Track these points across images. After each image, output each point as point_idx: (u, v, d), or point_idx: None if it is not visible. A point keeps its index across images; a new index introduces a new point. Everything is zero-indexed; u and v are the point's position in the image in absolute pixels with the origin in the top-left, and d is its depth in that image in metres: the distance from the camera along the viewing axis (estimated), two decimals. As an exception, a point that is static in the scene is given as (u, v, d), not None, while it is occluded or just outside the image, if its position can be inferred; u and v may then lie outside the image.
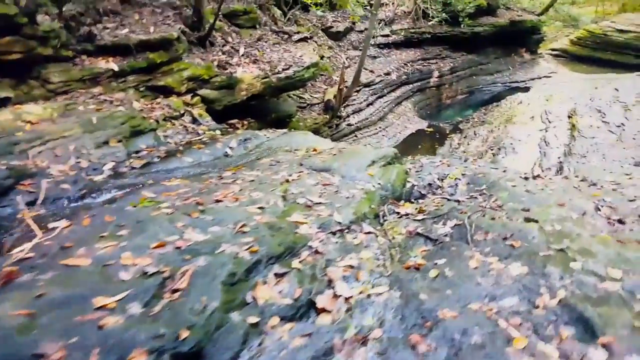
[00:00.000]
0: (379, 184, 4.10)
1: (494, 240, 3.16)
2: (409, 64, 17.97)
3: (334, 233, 3.13)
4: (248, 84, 7.44)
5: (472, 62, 20.81)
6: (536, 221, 3.39)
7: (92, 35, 5.78)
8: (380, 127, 14.54)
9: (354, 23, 18.35)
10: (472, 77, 20.64)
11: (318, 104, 11.41)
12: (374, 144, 13.41)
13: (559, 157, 8.76)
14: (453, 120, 16.21)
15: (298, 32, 10.02)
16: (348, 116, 13.71)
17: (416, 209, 3.93)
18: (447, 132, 14.56)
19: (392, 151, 4.97)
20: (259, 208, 3.23)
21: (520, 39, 23.37)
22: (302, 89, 11.96)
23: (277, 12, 10.05)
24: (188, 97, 6.53)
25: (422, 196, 4.50)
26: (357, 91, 14.88)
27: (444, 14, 17.77)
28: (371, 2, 14.57)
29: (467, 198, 4.41)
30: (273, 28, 9.60)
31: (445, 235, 3.40)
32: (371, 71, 16.27)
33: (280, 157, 4.86)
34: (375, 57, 17.68)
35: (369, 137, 13.81)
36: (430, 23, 18.56)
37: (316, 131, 10.56)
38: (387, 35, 18.52)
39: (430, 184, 4.70)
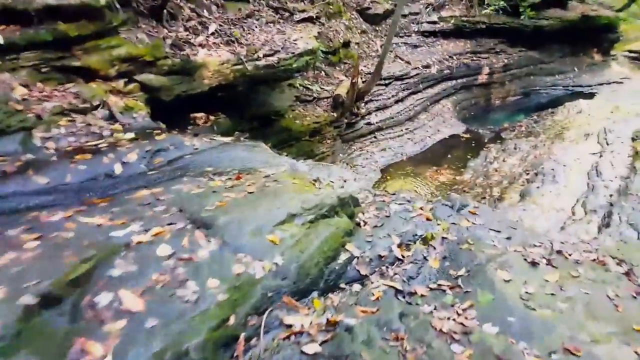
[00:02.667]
0: (277, 263, 2.55)
1: None
2: (455, 57, 15.80)
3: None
4: (213, 71, 5.99)
5: (531, 60, 18.22)
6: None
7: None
8: (407, 129, 12.71)
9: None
10: (530, 77, 18.10)
11: (328, 97, 9.77)
12: (395, 149, 11.67)
13: (610, 196, 6.72)
14: (498, 126, 14.03)
15: (303, 11, 8.37)
16: (369, 113, 11.99)
17: (328, 319, 2.35)
18: (486, 140, 12.51)
19: (340, 195, 3.35)
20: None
21: (592, 37, 20.32)
22: (313, 79, 10.37)
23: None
24: (121, 84, 5.18)
25: (361, 279, 2.90)
26: (387, 85, 13.07)
27: (502, 2, 15.36)
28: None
29: (430, 290, 2.77)
30: (271, 3, 8.03)
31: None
32: (407, 62, 14.33)
33: (176, 186, 3.39)
34: (416, 47, 15.70)
35: (391, 139, 12.05)
36: (484, 12, 16.19)
37: (317, 132, 9.00)
38: (435, 22, 16.40)
39: (381, 256, 3.07)
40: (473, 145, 12.20)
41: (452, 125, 13.59)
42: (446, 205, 3.96)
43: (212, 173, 3.89)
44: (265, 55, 6.56)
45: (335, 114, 9.44)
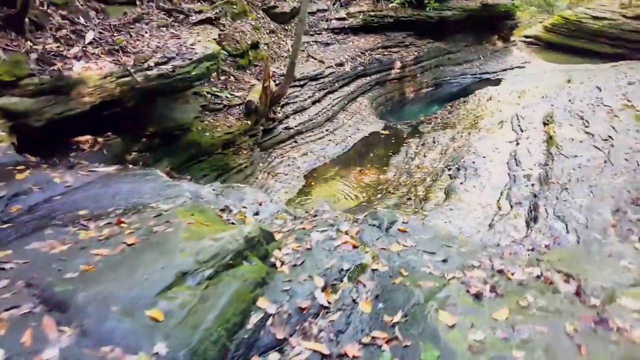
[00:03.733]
0: (158, 354, 1.88)
1: None
2: (367, 53, 15.70)
3: None
4: (94, 87, 5.07)
5: (440, 51, 18.70)
6: None
7: None
8: (327, 130, 12.30)
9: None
10: (439, 68, 18.55)
11: (240, 104, 9.05)
12: (317, 152, 11.21)
13: (532, 186, 6.71)
14: (415, 120, 14.09)
15: (200, 12, 7.57)
16: (287, 117, 11.42)
17: None
18: (405, 135, 12.44)
19: (249, 235, 2.71)
20: None
21: (493, 25, 21.38)
22: (221, 85, 9.59)
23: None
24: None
25: (278, 345, 2.30)
26: (302, 86, 12.58)
27: (407, -5, 15.47)
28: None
29: (364, 347, 2.26)
30: (162, 5, 7.16)
31: None
32: (321, 61, 13.95)
33: (33, 245, 2.60)
34: (328, 44, 15.36)
35: (312, 142, 11.58)
36: (391, 5, 16.25)
37: (231, 143, 8.27)
38: (343, 19, 16.18)
39: (302, 308, 2.50)
40: (393, 141, 12.07)
41: (370, 123, 13.41)
42: (373, 225, 3.47)
43: (86, 218, 3.09)
44: (157, 64, 5.71)
45: (249, 122, 8.74)
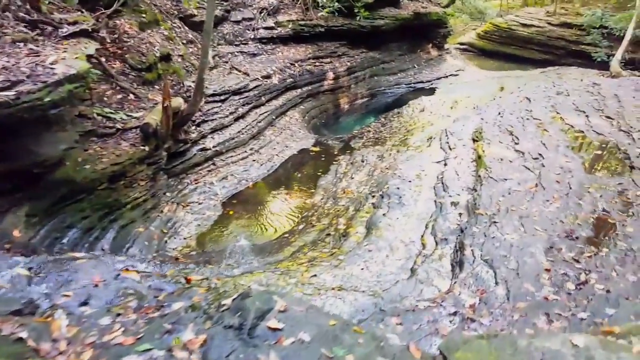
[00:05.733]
0: None
1: None
2: (297, 64, 14.86)
3: None
4: None
5: (373, 61, 18.22)
6: None
7: None
8: (252, 149, 11.28)
9: (227, 11, 14.88)
10: (374, 78, 18.06)
11: (138, 127, 7.85)
12: (239, 175, 10.16)
13: (459, 216, 6.03)
14: (347, 134, 13.35)
15: (75, 23, 6.36)
16: (203, 137, 10.30)
17: None
18: (336, 152, 11.65)
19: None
20: None
21: (426, 33, 21.27)
22: (117, 105, 8.35)
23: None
24: None
25: None
26: (223, 101, 11.52)
27: (336, 4, 14.76)
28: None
29: None
30: (23, 15, 5.92)
31: None
32: (245, 74, 12.94)
33: None
34: (254, 55, 14.39)
35: (234, 164, 10.51)
36: (320, 14, 15.53)
37: (120, 175, 7.08)
38: (272, 28, 15.30)
39: None
40: (323, 159, 11.25)
41: (300, 138, 12.53)
42: (231, 326, 2.51)
43: None
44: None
45: (146, 148, 7.57)
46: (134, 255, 6.43)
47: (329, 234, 6.54)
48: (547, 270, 4.46)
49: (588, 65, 21.27)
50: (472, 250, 4.91)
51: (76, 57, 5.61)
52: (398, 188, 7.05)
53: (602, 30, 22.55)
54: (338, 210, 7.53)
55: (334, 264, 5.19)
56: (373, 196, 7.15)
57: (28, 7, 6.23)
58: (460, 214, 6.12)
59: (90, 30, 6.40)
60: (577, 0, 26.97)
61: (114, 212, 7.03)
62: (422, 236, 5.78)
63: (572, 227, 5.38)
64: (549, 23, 25.93)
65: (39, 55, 5.47)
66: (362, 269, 5.01)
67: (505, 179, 6.76)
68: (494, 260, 4.63)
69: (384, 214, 6.36)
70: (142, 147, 7.58)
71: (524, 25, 26.69)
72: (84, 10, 7.24)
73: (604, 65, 19.47)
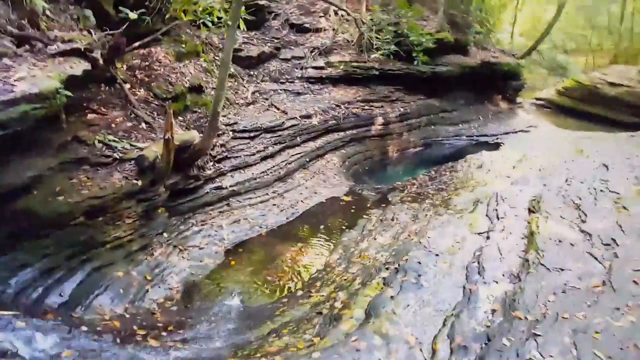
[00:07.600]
0: None
1: None
2: (343, 106, 13.91)
3: None
4: None
5: (432, 109, 16.89)
6: None
7: None
8: (275, 192, 10.27)
9: (277, 49, 14.40)
10: (431, 127, 16.69)
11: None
12: (254, 220, 9.11)
13: (492, 314, 4.45)
14: (388, 185, 11.96)
15: (70, 41, 5.79)
16: (221, 175, 9.46)
17: None
18: (369, 204, 10.31)
19: None
20: None
21: (495, 84, 19.63)
22: (124, 132, 7.73)
23: (41, 5, 5.85)
24: None
25: None
26: (252, 138, 10.72)
27: (393, 46, 13.76)
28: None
29: None
30: (11, 29, 5.43)
31: None
32: (283, 112, 12.17)
33: None
34: (299, 94, 13.65)
35: (251, 207, 9.51)
36: (373, 56, 14.62)
37: (102, 210, 6.26)
38: (321, 68, 14.59)
39: None
40: (353, 211, 9.95)
41: (333, 185, 11.36)
42: None
43: None
44: None
45: (139, 182, 6.76)
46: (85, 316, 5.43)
47: (320, 312, 5.19)
48: None
49: (687, 132, 18.38)
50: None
51: (49, 76, 4.93)
52: (419, 262, 5.57)
53: None
54: (345, 280, 6.17)
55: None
56: (387, 268, 5.72)
57: (24, 22, 5.77)
58: (493, 312, 4.54)
59: (82, 49, 5.79)
60: (676, 60, 24.12)
61: (87, 252, 6.18)
62: (435, 337, 4.26)
63: (652, 359, 3.64)
64: (641, 83, 23.25)
65: (8, 71, 4.85)
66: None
67: (562, 269, 5.07)
68: None
69: (391, 296, 4.91)
70: (134, 181, 6.78)
71: (612, 84, 24.11)
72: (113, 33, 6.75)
73: None
